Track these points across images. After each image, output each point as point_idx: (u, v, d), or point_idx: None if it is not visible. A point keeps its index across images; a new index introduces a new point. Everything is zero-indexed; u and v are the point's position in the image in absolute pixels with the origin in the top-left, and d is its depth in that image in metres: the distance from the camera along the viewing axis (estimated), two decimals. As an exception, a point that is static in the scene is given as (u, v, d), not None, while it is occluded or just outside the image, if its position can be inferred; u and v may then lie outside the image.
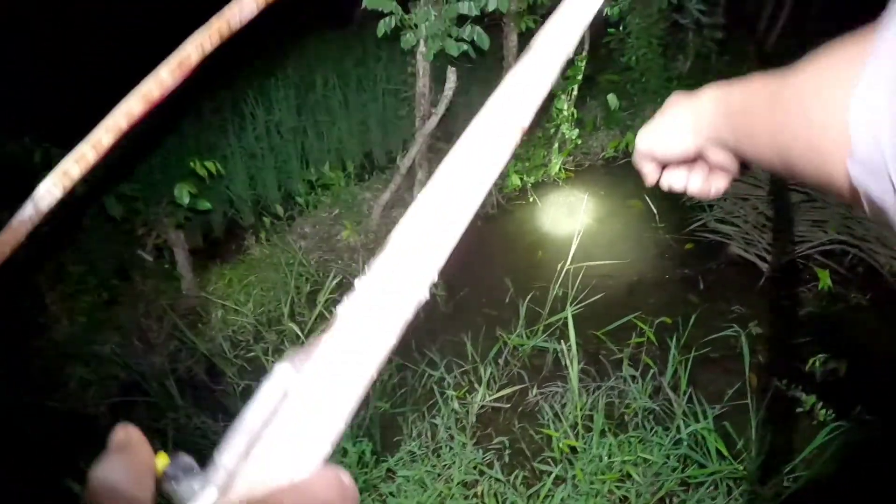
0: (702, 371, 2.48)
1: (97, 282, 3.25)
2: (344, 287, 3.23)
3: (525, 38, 3.82)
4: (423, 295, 0.31)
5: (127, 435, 0.30)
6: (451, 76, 3.29)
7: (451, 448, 2.26)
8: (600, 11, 0.39)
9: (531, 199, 4.04)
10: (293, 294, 3.16)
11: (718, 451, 2.09)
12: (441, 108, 3.39)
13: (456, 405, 2.40)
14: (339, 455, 2.18)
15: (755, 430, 2.12)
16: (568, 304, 2.52)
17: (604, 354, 2.62)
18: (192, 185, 3.04)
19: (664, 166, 0.61)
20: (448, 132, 3.79)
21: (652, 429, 2.24)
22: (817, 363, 2.54)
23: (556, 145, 4.22)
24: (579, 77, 4.01)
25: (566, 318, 2.44)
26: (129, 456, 0.29)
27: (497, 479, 2.16)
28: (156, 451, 0.29)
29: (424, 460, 2.23)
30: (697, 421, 2.17)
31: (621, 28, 4.57)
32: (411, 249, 0.31)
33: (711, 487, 2.05)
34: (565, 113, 4.11)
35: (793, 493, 2.01)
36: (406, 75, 3.99)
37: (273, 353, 2.81)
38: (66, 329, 3.06)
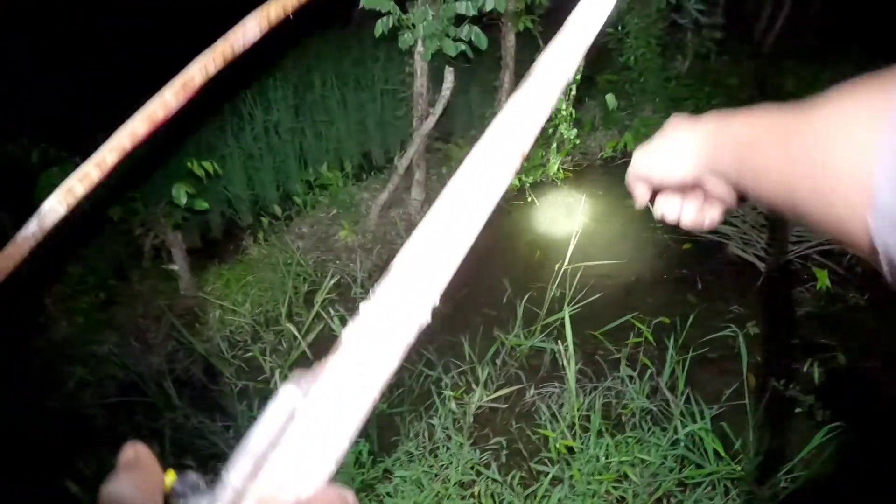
0: (699, 371, 2.48)
1: (95, 282, 3.26)
2: (341, 287, 3.23)
3: (523, 38, 3.83)
4: (424, 319, 0.31)
5: (136, 453, 0.31)
6: (449, 76, 3.28)
7: (448, 448, 2.26)
8: (599, 34, 0.40)
9: (529, 199, 4.04)
10: (291, 294, 3.17)
11: (716, 452, 2.09)
12: (439, 108, 3.39)
13: (453, 405, 2.40)
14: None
15: (753, 430, 2.12)
16: (565, 304, 2.52)
17: (601, 355, 2.62)
18: (189, 185, 3.04)
19: (657, 190, 0.59)
20: (446, 132, 3.78)
21: (649, 429, 2.24)
22: (815, 363, 2.55)
23: (555, 145, 4.22)
24: (578, 77, 4.02)
25: (564, 318, 2.44)
26: (138, 473, 0.30)
27: (494, 480, 2.16)
28: (164, 468, 0.30)
29: (421, 460, 2.24)
30: (695, 421, 2.17)
31: (620, 28, 4.58)
32: (414, 275, 0.32)
33: (709, 488, 2.05)
34: (564, 113, 4.11)
35: (790, 494, 2.01)
36: (404, 75, 4.00)
37: (270, 353, 2.81)
38: (65, 329, 3.07)
